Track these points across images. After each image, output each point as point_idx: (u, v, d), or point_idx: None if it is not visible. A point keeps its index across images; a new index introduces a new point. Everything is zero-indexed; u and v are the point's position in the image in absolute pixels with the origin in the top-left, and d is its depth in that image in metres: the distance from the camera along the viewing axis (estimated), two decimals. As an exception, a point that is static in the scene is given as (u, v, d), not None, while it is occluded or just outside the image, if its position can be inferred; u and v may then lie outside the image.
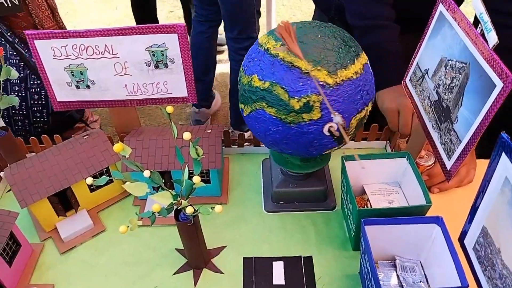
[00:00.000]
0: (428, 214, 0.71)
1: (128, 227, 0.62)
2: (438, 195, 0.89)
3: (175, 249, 0.83)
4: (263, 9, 3.04)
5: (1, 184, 0.96)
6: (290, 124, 0.66)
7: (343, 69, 0.65)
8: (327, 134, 0.67)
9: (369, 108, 0.72)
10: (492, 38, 0.63)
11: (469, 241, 0.60)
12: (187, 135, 0.63)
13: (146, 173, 0.65)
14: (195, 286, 0.77)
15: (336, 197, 0.90)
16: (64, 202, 0.85)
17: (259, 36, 0.74)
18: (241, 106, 0.74)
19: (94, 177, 0.86)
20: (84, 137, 0.87)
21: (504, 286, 0.51)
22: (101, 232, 0.86)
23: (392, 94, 0.92)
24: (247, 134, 1.39)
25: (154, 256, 0.82)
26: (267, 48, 0.67)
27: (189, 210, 0.65)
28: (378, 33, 0.96)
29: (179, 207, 0.67)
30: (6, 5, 0.75)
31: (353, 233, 0.77)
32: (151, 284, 0.77)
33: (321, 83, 0.63)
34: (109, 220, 0.89)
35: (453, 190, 0.90)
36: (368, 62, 0.73)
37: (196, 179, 0.66)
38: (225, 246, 0.83)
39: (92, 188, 0.88)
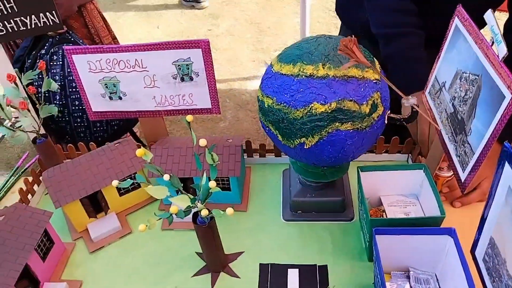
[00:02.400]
0: (444, 226, 0.71)
1: (146, 226, 0.67)
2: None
3: (195, 252, 0.86)
4: (297, 26, 3.09)
5: (40, 187, 1.04)
6: (365, 128, 0.69)
7: (376, 64, 0.72)
8: (386, 122, 0.73)
9: None
10: (502, 50, 0.63)
11: (479, 252, 0.59)
12: (203, 142, 0.67)
13: (166, 177, 0.69)
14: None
15: (355, 209, 0.91)
16: (95, 205, 0.92)
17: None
18: (297, 141, 0.70)
19: (122, 181, 0.92)
20: (115, 145, 0.93)
21: (510, 297, 0.50)
22: (127, 234, 0.92)
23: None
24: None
25: (175, 258, 0.86)
26: (310, 74, 0.67)
27: (204, 212, 0.68)
28: (401, 41, 0.97)
29: (196, 210, 0.71)
30: (48, 23, 0.83)
31: (368, 244, 0.77)
32: (171, 285, 0.81)
33: (374, 81, 0.68)
34: (135, 223, 0.94)
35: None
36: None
37: (212, 183, 0.69)
38: (243, 252, 0.85)
39: (121, 193, 0.94)
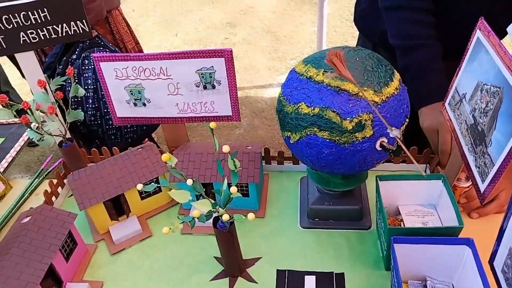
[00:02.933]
0: (462, 236, 0.71)
1: (170, 229, 0.69)
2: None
3: (214, 257, 0.88)
4: (314, 35, 3.11)
5: (64, 189, 1.07)
6: (344, 144, 0.70)
7: (386, 87, 0.70)
8: (379, 149, 0.71)
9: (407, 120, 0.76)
10: (525, 63, 0.64)
11: (498, 263, 0.60)
12: (226, 148, 0.69)
13: (189, 182, 0.72)
14: (229, 293, 0.81)
15: (373, 217, 0.91)
16: (117, 208, 0.94)
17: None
18: (286, 134, 0.77)
19: (145, 185, 0.95)
20: (138, 150, 0.96)
21: (529, 308, 0.51)
22: (148, 237, 0.94)
23: (433, 113, 0.94)
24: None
25: (194, 262, 0.88)
26: (310, 76, 0.72)
27: (225, 217, 0.70)
28: (419, 52, 0.98)
29: (217, 215, 0.73)
30: (78, 31, 0.86)
31: (385, 252, 0.78)
32: (190, 287, 0.83)
33: (370, 102, 0.68)
34: (156, 226, 0.96)
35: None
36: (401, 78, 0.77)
37: (233, 189, 0.71)
38: (260, 258, 0.87)
39: (143, 196, 0.96)
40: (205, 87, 0.94)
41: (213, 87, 0.94)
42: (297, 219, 0.94)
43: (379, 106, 0.69)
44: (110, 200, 0.91)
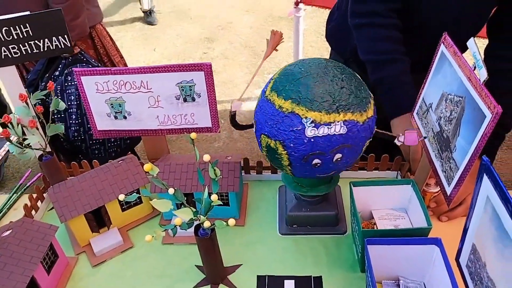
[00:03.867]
0: (431, 237, 0.75)
1: (153, 237, 0.71)
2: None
3: (195, 265, 0.90)
4: (290, 50, 3.18)
5: (44, 203, 1.07)
6: None
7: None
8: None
9: None
10: (483, 74, 0.69)
11: (463, 259, 0.64)
12: (206, 157, 0.72)
13: (171, 191, 0.74)
14: (211, 300, 0.83)
15: (348, 223, 0.95)
16: (98, 220, 0.95)
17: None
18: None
19: (126, 195, 0.96)
20: (119, 162, 0.98)
21: (490, 299, 0.55)
22: (129, 248, 0.95)
23: (404, 123, 0.99)
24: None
25: (176, 271, 0.89)
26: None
27: (207, 224, 0.72)
28: (389, 67, 1.04)
29: (199, 222, 0.75)
30: (60, 46, 0.88)
31: (360, 255, 0.81)
32: (171, 296, 0.84)
33: None
34: (137, 237, 0.97)
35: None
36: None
37: (214, 197, 0.74)
38: (241, 265, 0.89)
39: (124, 208, 0.97)
40: (185, 100, 0.97)
41: (193, 99, 0.97)
42: (276, 226, 0.96)
43: None
44: (91, 212, 0.92)
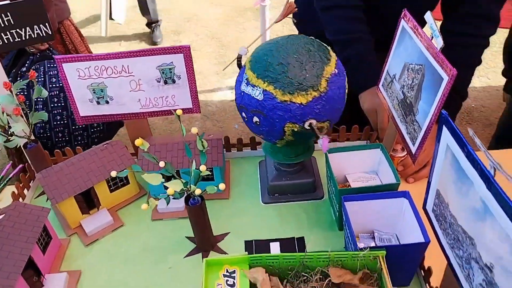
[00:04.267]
0: (400, 193, 0.84)
1: (148, 205, 0.75)
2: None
3: (185, 237, 0.95)
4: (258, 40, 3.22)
5: (30, 192, 1.09)
6: None
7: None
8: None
9: None
10: (439, 42, 0.78)
11: (429, 205, 0.73)
12: (194, 130, 0.77)
13: (161, 164, 0.79)
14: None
15: (325, 189, 1.03)
16: (88, 201, 0.98)
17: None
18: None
19: (113, 178, 1.00)
20: (104, 145, 1.01)
21: (452, 232, 0.63)
22: (120, 227, 0.99)
23: (372, 96, 1.08)
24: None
25: (167, 244, 0.94)
26: None
27: (198, 191, 0.78)
28: (355, 45, 1.12)
29: (189, 192, 0.80)
30: (41, 34, 0.90)
31: (337, 214, 0.89)
32: (165, 266, 0.89)
33: None
34: (126, 216, 1.01)
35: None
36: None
37: (203, 167, 0.79)
38: (229, 233, 0.95)
39: (112, 189, 1.01)
40: (165, 82, 1.01)
41: (173, 81, 1.01)
42: (259, 196, 1.03)
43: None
44: (81, 194, 0.95)
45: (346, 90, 0.88)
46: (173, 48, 0.97)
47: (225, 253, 0.91)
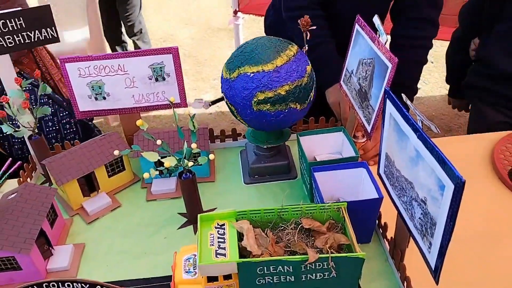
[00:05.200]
0: (360, 166, 1.00)
1: (149, 174, 0.89)
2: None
3: (178, 213, 1.08)
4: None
5: (32, 181, 1.19)
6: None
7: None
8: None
9: None
10: (384, 38, 0.97)
11: (382, 169, 0.89)
12: (188, 111, 0.92)
13: (158, 142, 0.93)
14: (195, 234, 1.01)
15: (298, 170, 1.18)
16: (89, 185, 1.10)
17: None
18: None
19: (111, 164, 1.13)
20: (102, 136, 1.14)
21: (398, 184, 0.80)
22: (117, 207, 1.11)
23: (335, 91, 1.26)
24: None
25: (161, 220, 1.07)
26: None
27: (190, 163, 0.92)
28: (320, 48, 1.30)
29: (184, 166, 0.94)
30: (48, 37, 1.04)
31: (309, 187, 1.05)
32: (161, 237, 1.02)
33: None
34: (123, 199, 1.13)
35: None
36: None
37: (194, 145, 0.93)
38: (216, 208, 1.08)
39: (110, 174, 1.13)
40: (156, 80, 1.16)
41: (163, 79, 1.16)
42: (241, 179, 1.17)
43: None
44: (83, 178, 1.07)
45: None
46: (163, 49, 1.12)
47: (213, 223, 1.04)
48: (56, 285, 0.64)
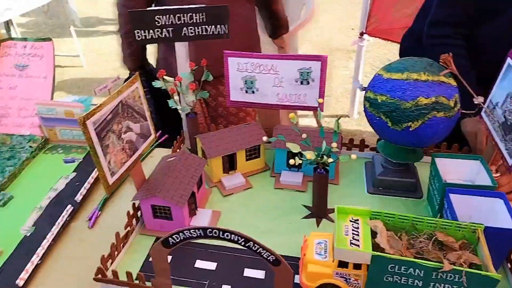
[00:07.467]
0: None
1: (294, 161, 0.99)
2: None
3: (302, 205, 1.17)
4: (346, 78, 3.44)
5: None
6: (451, 117, 1.04)
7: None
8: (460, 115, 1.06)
9: None
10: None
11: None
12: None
13: (304, 135, 1.03)
14: (317, 227, 1.09)
15: (423, 191, 1.20)
16: (230, 163, 1.25)
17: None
18: (404, 125, 1.04)
19: (249, 150, 1.26)
20: (247, 125, 1.28)
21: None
22: (249, 188, 1.24)
23: (473, 121, 1.26)
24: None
25: (287, 206, 1.17)
26: (416, 78, 1.03)
27: (330, 160, 1.01)
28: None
29: (321, 161, 1.03)
30: (220, 32, 1.21)
31: (437, 207, 1.06)
32: (286, 221, 1.11)
33: (454, 86, 1.05)
34: (254, 182, 1.26)
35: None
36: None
37: (334, 144, 1.02)
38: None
39: (247, 159, 1.27)
40: (301, 83, 1.27)
41: (308, 83, 1.27)
42: (364, 187, 1.23)
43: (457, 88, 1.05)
44: (227, 156, 1.22)
45: None
46: (314, 56, 1.23)
47: (333, 221, 1.11)
48: (217, 232, 0.76)
